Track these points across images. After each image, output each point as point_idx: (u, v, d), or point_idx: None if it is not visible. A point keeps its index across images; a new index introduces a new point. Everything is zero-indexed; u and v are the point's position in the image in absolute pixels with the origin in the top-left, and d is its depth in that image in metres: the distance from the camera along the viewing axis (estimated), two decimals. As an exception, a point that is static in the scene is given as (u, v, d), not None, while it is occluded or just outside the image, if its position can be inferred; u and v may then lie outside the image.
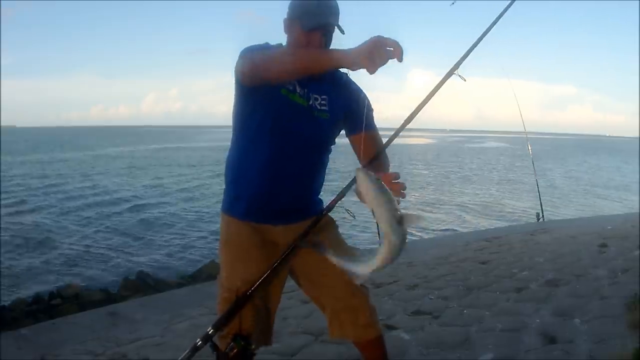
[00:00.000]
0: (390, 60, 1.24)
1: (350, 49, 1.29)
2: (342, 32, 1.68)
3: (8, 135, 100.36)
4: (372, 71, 1.25)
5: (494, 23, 1.68)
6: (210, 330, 1.69)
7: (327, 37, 1.67)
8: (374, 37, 1.24)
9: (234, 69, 1.66)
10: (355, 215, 1.69)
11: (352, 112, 1.78)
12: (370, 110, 1.80)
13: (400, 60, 1.24)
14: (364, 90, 1.83)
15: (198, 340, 1.68)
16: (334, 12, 1.67)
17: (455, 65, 1.61)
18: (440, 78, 1.63)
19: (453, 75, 1.63)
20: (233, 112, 1.78)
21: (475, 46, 1.65)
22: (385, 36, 1.24)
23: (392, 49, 1.23)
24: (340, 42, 1.69)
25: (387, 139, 1.82)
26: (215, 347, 1.70)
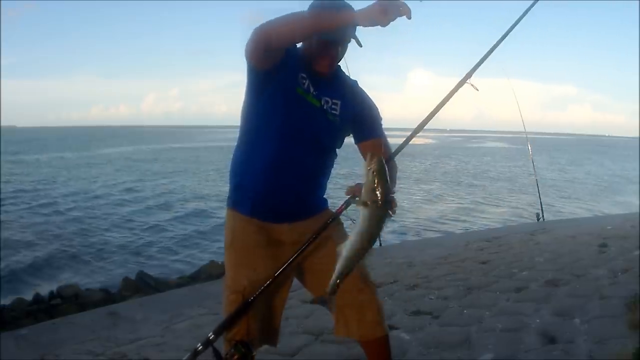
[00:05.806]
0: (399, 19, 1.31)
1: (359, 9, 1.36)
2: (360, 45, 1.66)
3: (9, 134, 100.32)
4: (385, 23, 1.31)
5: (507, 33, 1.66)
6: (211, 336, 1.68)
7: (343, 48, 1.68)
8: None
9: (245, 54, 1.61)
10: None
11: (361, 119, 1.79)
12: (379, 119, 1.81)
13: (409, 17, 1.30)
14: (365, 90, 1.84)
15: (199, 344, 1.68)
16: (353, 25, 1.65)
17: (467, 74, 1.61)
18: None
19: (465, 84, 1.62)
20: (242, 109, 1.76)
21: (487, 57, 1.64)
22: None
23: (401, 7, 1.29)
24: (356, 53, 1.71)
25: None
26: (216, 353, 1.68)
